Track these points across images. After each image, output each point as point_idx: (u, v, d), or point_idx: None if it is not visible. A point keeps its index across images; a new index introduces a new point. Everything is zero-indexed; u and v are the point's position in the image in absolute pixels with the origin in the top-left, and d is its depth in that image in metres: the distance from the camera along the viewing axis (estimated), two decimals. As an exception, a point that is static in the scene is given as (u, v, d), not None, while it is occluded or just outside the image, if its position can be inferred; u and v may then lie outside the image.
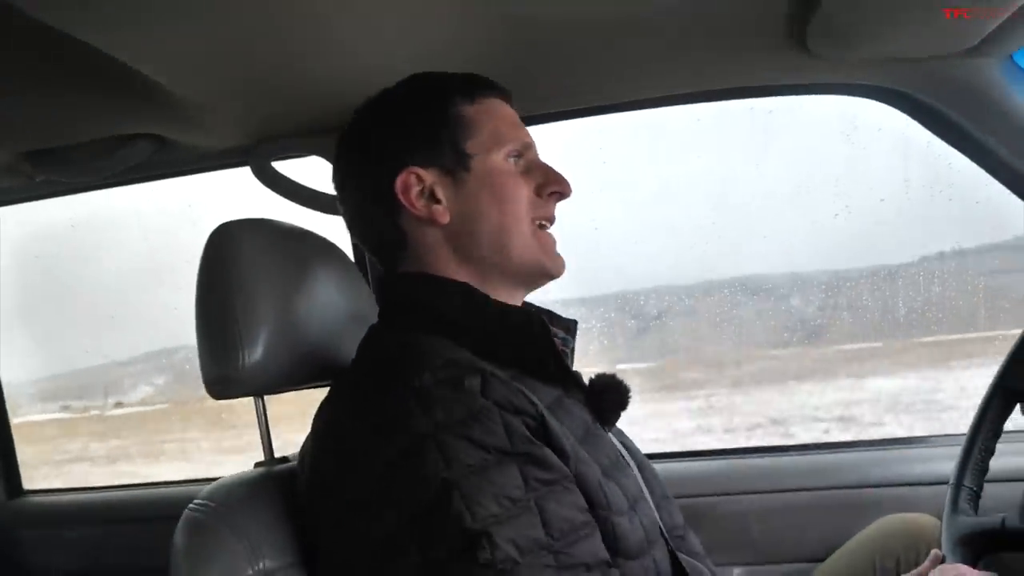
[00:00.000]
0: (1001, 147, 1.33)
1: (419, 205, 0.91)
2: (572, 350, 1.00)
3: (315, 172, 1.42)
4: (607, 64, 1.29)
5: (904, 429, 2.99)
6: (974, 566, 0.96)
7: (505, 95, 0.98)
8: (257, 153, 1.40)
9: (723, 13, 1.12)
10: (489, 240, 0.91)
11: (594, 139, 1.77)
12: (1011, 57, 1.27)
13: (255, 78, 1.15)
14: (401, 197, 0.91)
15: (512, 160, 0.94)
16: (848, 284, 2.35)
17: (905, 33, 1.16)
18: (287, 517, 0.86)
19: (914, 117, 1.38)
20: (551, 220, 0.97)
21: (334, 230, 1.15)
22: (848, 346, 2.83)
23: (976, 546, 0.99)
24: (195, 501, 0.85)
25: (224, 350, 0.89)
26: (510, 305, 0.92)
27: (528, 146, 0.96)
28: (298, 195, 1.41)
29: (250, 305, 0.90)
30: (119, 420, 3.95)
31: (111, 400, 3.84)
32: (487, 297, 0.90)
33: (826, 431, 3.00)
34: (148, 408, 3.88)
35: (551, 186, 0.95)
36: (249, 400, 0.98)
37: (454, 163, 0.91)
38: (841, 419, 2.97)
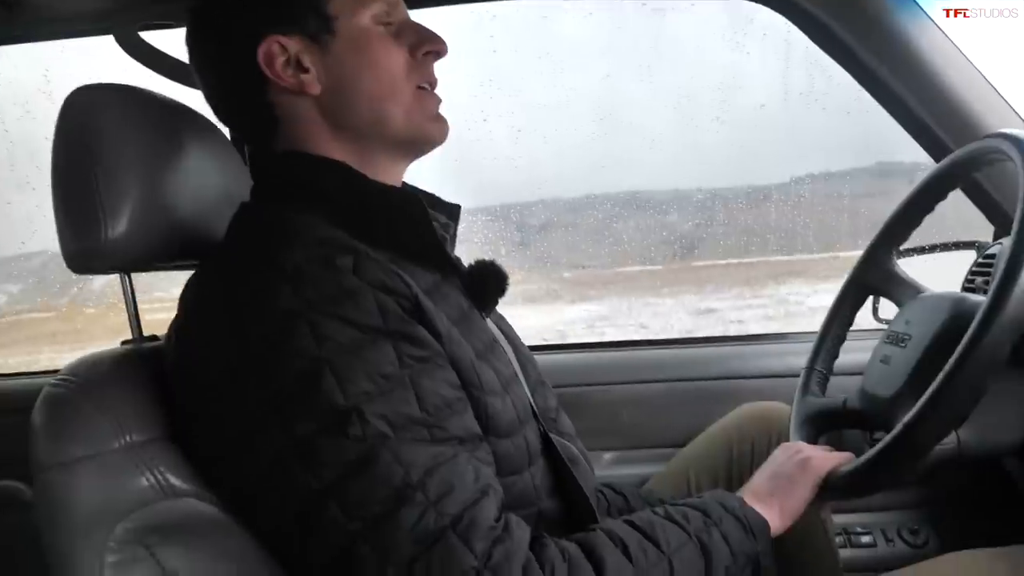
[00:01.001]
0: (876, 60, 1.39)
1: (286, 75, 0.86)
2: (453, 235, 0.99)
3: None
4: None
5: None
6: (815, 442, 1.05)
7: None
8: (121, 20, 1.27)
9: None
10: (366, 107, 0.88)
11: (485, 27, 1.72)
12: (897, -22, 1.31)
13: None
14: (266, 69, 0.86)
15: (381, 24, 0.89)
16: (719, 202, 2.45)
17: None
18: (154, 393, 0.83)
19: (796, 24, 1.42)
20: (433, 83, 0.93)
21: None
22: (629, 268, 2.96)
23: (819, 424, 1.08)
24: (56, 377, 0.81)
25: (84, 222, 0.83)
26: (389, 186, 0.90)
27: (395, 5, 0.92)
28: (170, 69, 1.30)
29: (112, 175, 0.84)
30: None
31: None
32: (365, 177, 0.87)
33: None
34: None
35: (425, 45, 0.91)
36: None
37: (317, 28, 0.86)
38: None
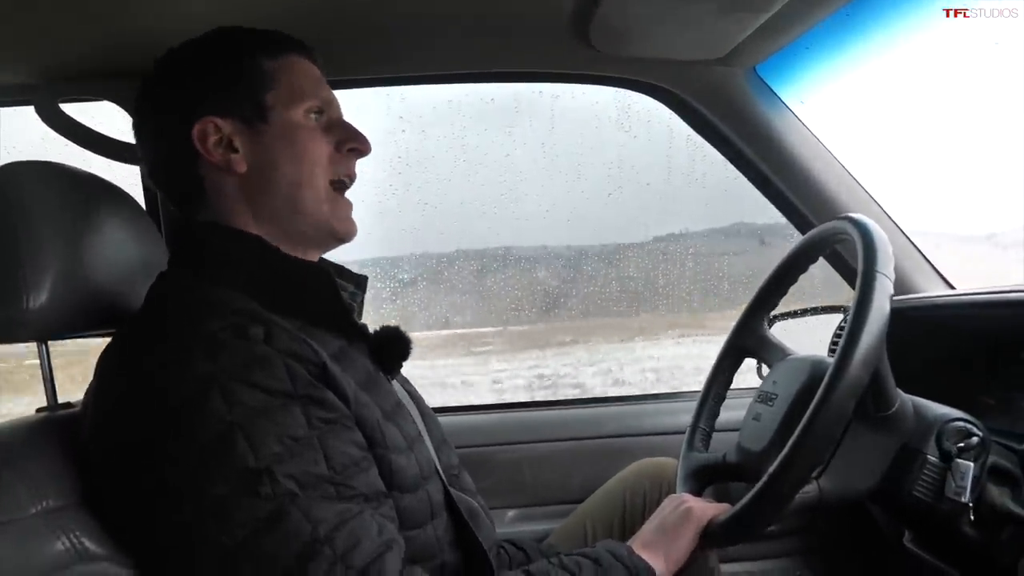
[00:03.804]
0: (745, 145, 1.55)
1: (215, 153, 0.92)
2: (361, 303, 1.05)
3: (107, 117, 1.33)
4: (407, 37, 1.33)
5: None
6: (700, 494, 1.12)
7: (309, 54, 1.00)
8: (43, 92, 1.29)
9: (516, 3, 1.21)
10: (283, 194, 0.94)
11: (396, 108, 1.81)
12: (755, 69, 1.48)
13: (45, 9, 1.08)
14: (198, 145, 0.92)
15: (313, 117, 0.96)
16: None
17: (669, 38, 1.32)
18: (70, 459, 0.84)
19: (677, 112, 1.58)
20: (351, 177, 1.00)
21: (125, 178, 1.12)
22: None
23: (702, 477, 1.15)
24: None
25: (7, 293, 0.85)
26: (300, 259, 0.95)
27: (329, 103, 0.99)
28: (89, 140, 1.31)
29: (35, 248, 0.87)
30: None
31: None
32: (278, 250, 0.93)
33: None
34: None
35: (350, 142, 0.98)
36: None
37: (252, 114, 0.93)
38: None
